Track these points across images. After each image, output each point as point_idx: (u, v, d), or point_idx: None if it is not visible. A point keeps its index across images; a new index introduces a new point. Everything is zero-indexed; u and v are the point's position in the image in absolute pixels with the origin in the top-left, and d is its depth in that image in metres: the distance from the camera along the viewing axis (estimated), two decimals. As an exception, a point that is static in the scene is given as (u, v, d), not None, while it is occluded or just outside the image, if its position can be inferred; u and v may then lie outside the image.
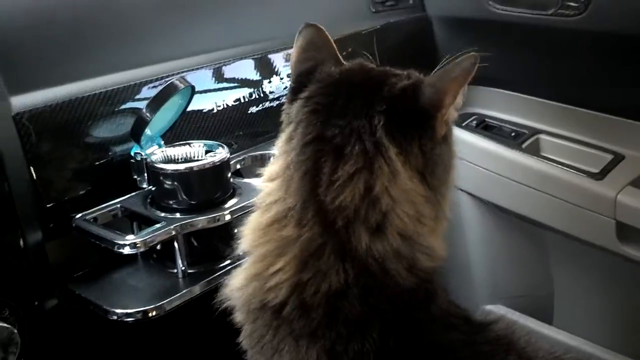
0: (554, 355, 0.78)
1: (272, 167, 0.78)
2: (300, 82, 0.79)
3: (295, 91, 0.79)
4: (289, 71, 0.88)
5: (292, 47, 1.33)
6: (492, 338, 0.73)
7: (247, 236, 0.77)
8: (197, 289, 0.97)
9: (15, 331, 0.88)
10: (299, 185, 0.72)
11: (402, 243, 0.71)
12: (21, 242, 0.92)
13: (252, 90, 1.22)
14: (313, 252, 0.70)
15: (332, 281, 0.69)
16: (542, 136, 1.45)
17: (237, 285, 0.76)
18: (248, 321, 0.75)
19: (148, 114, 1.00)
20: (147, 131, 1.03)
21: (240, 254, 0.79)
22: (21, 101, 0.96)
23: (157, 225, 0.97)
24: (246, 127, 1.21)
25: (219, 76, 1.18)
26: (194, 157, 1.05)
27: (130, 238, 0.94)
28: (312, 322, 0.69)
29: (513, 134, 1.47)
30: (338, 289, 0.69)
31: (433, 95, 0.72)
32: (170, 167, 1.01)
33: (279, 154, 0.78)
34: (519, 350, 0.73)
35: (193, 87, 1.06)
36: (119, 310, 0.93)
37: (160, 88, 1.08)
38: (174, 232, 0.96)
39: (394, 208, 0.70)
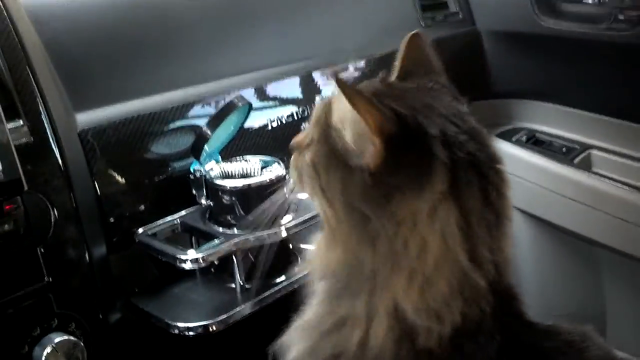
0: None
1: None
2: None
3: None
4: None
5: (340, 64, 1.35)
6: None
7: None
8: (256, 304, 0.98)
9: (82, 344, 0.90)
10: None
11: None
12: (87, 256, 0.94)
13: (304, 106, 1.23)
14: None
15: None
16: (594, 151, 1.44)
17: None
18: None
19: (208, 131, 1.01)
20: (206, 147, 1.04)
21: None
22: (85, 118, 0.98)
23: (216, 241, 0.99)
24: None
25: (272, 93, 1.20)
26: (250, 172, 1.06)
27: (192, 253, 0.95)
28: None
29: (564, 149, 1.46)
30: None
31: None
32: (229, 183, 1.02)
33: None
34: None
35: (250, 105, 1.07)
36: (180, 324, 0.95)
37: (215, 105, 1.11)
38: (234, 248, 0.97)
39: None
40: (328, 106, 0.68)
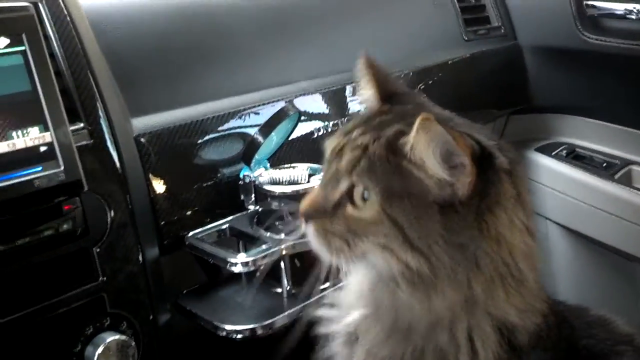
0: None
1: None
2: None
3: None
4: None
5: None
6: None
7: None
8: (302, 310, 0.99)
9: (133, 343, 0.92)
10: None
11: None
12: (140, 257, 0.96)
13: (349, 117, 1.25)
14: None
15: None
16: (635, 167, 1.44)
17: None
18: None
19: (260, 138, 1.03)
20: (255, 154, 1.06)
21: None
22: (141, 123, 1.01)
23: (264, 246, 1.00)
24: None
25: (320, 102, 1.21)
26: (298, 179, 1.08)
27: (242, 257, 0.97)
28: None
29: (604, 165, 1.46)
30: None
31: None
32: (278, 189, 1.04)
33: None
34: None
35: (300, 113, 1.09)
36: (228, 327, 0.96)
37: (264, 113, 1.13)
38: (283, 252, 0.99)
39: None
40: (392, 145, 0.65)
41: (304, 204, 0.70)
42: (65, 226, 0.89)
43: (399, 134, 0.65)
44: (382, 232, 0.64)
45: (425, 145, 0.62)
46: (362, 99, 0.78)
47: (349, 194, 0.67)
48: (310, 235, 0.70)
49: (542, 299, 0.69)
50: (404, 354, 0.68)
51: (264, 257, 0.97)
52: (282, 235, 1.03)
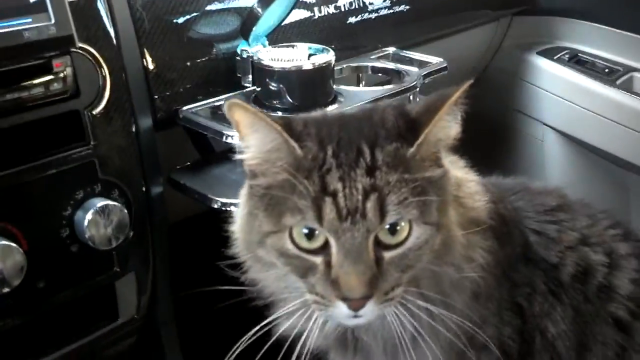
0: None
1: None
2: None
3: None
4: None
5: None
6: None
7: None
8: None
9: (125, 211, 0.89)
10: None
11: None
12: (133, 127, 0.92)
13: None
14: None
15: None
16: (637, 74, 1.41)
17: None
18: None
19: (260, 9, 0.99)
20: (254, 29, 1.02)
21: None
22: (134, -12, 0.96)
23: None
24: (345, 38, 1.19)
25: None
26: (298, 59, 1.04)
27: (239, 129, 0.94)
28: None
29: (606, 70, 1.43)
30: None
31: None
32: (278, 65, 1.00)
33: None
34: None
35: (302, -14, 1.04)
36: (222, 199, 0.94)
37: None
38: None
39: None
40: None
41: (353, 288, 0.61)
42: (55, 85, 0.85)
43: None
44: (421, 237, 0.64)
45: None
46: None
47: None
48: (369, 315, 0.63)
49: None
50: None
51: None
52: (279, 114, 1.00)
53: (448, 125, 0.64)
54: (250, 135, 0.66)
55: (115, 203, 0.88)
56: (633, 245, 0.80)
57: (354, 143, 0.63)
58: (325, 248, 0.62)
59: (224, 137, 0.93)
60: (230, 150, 1.02)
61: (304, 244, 0.62)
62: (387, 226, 0.61)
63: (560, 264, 0.76)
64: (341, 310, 0.62)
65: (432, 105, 0.64)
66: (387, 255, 0.62)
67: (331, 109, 1.02)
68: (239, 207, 0.74)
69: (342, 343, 0.74)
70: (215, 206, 0.94)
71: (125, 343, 0.98)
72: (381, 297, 0.62)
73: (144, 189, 0.94)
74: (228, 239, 0.76)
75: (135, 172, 0.93)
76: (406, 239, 0.62)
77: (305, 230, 0.62)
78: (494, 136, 1.54)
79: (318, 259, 0.63)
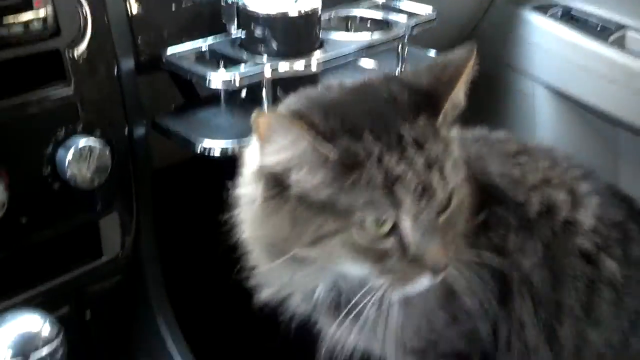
0: None
1: None
2: None
3: None
4: None
5: None
6: None
7: None
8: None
9: (107, 152, 0.89)
10: None
11: None
12: (115, 68, 0.92)
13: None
14: None
15: None
16: (630, 32, 1.40)
17: None
18: None
19: (245, -48, 0.98)
20: (240, -27, 1.01)
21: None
22: None
23: (246, 67, 0.97)
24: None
25: None
26: (283, 5, 1.03)
27: (223, 73, 0.94)
28: None
29: (599, 27, 1.42)
30: None
31: None
32: (263, 11, 0.99)
33: None
34: None
35: None
36: (206, 144, 0.94)
37: None
38: (267, 75, 0.95)
39: None
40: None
41: (438, 260, 0.65)
42: (35, 24, 0.84)
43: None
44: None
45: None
46: None
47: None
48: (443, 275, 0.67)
49: None
50: None
51: (246, 77, 0.94)
52: (265, 58, 1.00)
53: (461, 90, 0.68)
54: (273, 140, 0.65)
55: (96, 143, 0.88)
56: (593, 182, 0.83)
57: (385, 125, 0.64)
58: (394, 229, 0.64)
59: (207, 82, 0.93)
60: (215, 95, 1.04)
61: (375, 231, 0.63)
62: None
63: (527, 202, 0.79)
64: (423, 281, 0.66)
65: (446, 75, 0.67)
66: (442, 218, 0.66)
67: (318, 55, 1.02)
68: (244, 205, 0.73)
69: (336, 307, 0.75)
70: (199, 150, 0.94)
71: (110, 281, 1.00)
72: (452, 258, 0.68)
73: (126, 130, 0.94)
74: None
75: (117, 113, 0.93)
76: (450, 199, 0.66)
77: (377, 219, 0.63)
78: (484, 91, 1.52)
79: (389, 243, 0.64)
